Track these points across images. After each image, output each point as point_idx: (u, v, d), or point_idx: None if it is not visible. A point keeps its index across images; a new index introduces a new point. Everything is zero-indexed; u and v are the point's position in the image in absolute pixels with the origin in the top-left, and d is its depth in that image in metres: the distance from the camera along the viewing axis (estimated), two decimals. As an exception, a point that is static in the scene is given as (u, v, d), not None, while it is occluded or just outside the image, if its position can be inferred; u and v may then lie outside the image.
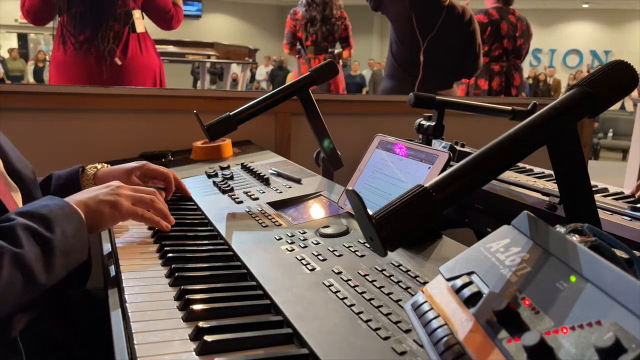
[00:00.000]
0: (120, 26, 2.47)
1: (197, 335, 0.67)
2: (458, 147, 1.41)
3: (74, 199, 0.92)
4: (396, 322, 0.66)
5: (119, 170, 1.22)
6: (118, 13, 2.46)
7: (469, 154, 1.22)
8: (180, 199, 1.27)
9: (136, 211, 0.97)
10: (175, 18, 2.71)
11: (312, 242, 0.94)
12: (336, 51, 4.50)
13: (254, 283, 0.82)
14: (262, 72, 12.43)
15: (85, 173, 1.21)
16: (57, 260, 0.79)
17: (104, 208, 0.94)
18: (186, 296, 0.76)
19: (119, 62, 2.47)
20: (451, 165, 0.72)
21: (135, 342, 0.66)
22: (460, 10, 3.09)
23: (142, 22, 2.56)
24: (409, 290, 0.73)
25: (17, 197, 0.96)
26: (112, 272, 0.90)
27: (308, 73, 1.45)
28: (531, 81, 11.63)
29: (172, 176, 1.25)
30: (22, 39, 14.02)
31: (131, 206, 0.97)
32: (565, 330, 0.41)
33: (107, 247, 1.01)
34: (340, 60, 4.62)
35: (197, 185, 1.37)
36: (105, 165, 1.26)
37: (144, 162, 1.26)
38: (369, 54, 15.36)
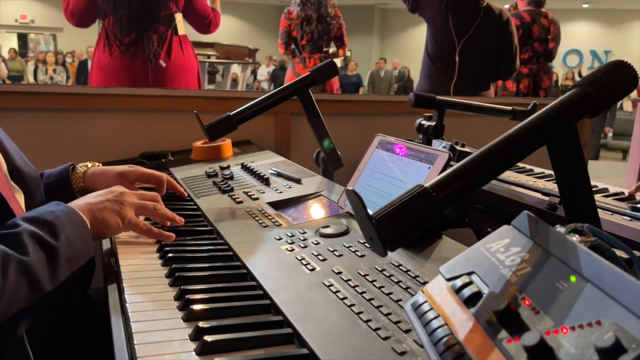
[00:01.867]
0: (164, 29, 2.53)
1: (197, 335, 0.67)
2: (458, 147, 1.41)
3: (79, 204, 0.91)
4: (396, 322, 0.66)
5: (110, 171, 1.20)
6: (162, 16, 2.52)
7: (469, 154, 1.21)
8: (180, 200, 1.27)
9: (138, 224, 0.97)
10: (213, 23, 2.79)
11: (312, 242, 0.94)
12: (331, 50, 4.50)
13: (254, 283, 0.82)
14: (263, 72, 12.43)
15: (75, 171, 1.19)
16: (62, 267, 0.80)
17: (109, 216, 0.93)
18: (186, 296, 0.76)
19: (164, 64, 2.54)
20: (451, 165, 0.72)
21: (135, 342, 0.66)
22: (498, 11, 3.08)
23: (183, 25, 2.63)
24: (409, 290, 0.73)
25: (20, 198, 0.96)
26: (112, 272, 0.90)
27: (308, 73, 1.45)
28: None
29: (166, 179, 1.23)
30: (22, 39, 14.02)
31: (134, 218, 0.97)
32: (565, 330, 0.41)
33: (107, 247, 1.01)
34: (345, 61, 4.63)
35: (197, 185, 1.37)
36: (97, 164, 1.24)
37: (135, 166, 1.24)
38: (369, 54, 15.36)
